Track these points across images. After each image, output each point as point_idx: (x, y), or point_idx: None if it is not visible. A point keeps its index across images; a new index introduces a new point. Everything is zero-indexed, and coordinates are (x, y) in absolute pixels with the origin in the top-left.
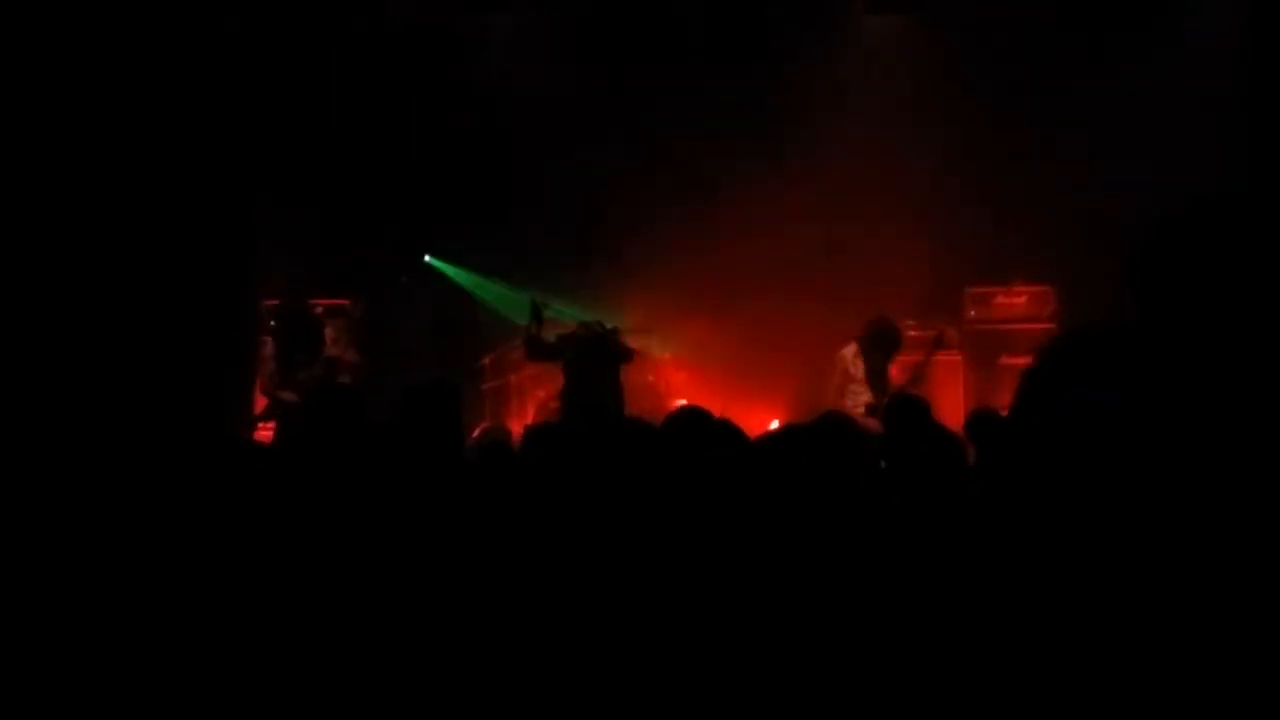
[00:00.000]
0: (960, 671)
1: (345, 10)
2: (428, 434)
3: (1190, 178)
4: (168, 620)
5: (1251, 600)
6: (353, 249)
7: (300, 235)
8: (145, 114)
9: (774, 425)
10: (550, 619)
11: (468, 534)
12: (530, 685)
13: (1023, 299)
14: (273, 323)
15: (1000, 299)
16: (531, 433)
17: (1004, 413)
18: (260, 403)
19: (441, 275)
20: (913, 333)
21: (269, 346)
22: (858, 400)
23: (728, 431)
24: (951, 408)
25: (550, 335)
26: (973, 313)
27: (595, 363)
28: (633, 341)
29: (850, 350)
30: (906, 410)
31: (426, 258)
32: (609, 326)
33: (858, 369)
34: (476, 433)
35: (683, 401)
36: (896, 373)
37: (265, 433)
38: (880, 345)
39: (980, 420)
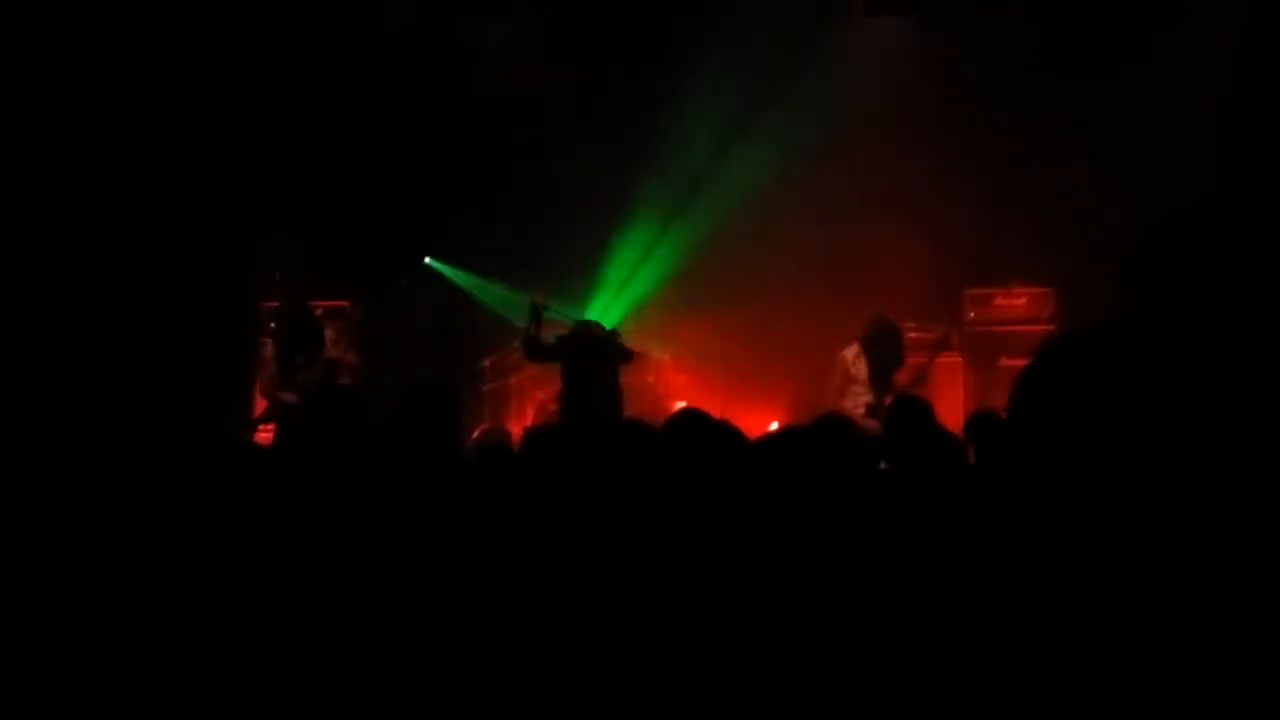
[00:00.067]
0: (960, 671)
1: (345, 11)
2: (427, 435)
3: (1190, 178)
4: (168, 621)
5: (1251, 599)
6: (353, 251)
7: (300, 237)
8: (145, 115)
9: (774, 426)
10: (550, 620)
11: (467, 536)
12: (531, 686)
13: (1022, 301)
14: (273, 324)
15: (1000, 300)
16: (531, 434)
17: (1003, 414)
18: (260, 404)
19: (441, 277)
20: (912, 334)
21: (269, 348)
22: (858, 401)
23: (727, 433)
24: (951, 409)
25: (549, 336)
26: (972, 314)
27: (594, 364)
28: (631, 343)
29: (851, 351)
30: (907, 411)
31: (426, 259)
32: (608, 328)
33: (858, 370)
34: (476, 434)
35: (682, 403)
36: (899, 373)
37: (265, 434)
38: (881, 346)
39: (980, 421)
